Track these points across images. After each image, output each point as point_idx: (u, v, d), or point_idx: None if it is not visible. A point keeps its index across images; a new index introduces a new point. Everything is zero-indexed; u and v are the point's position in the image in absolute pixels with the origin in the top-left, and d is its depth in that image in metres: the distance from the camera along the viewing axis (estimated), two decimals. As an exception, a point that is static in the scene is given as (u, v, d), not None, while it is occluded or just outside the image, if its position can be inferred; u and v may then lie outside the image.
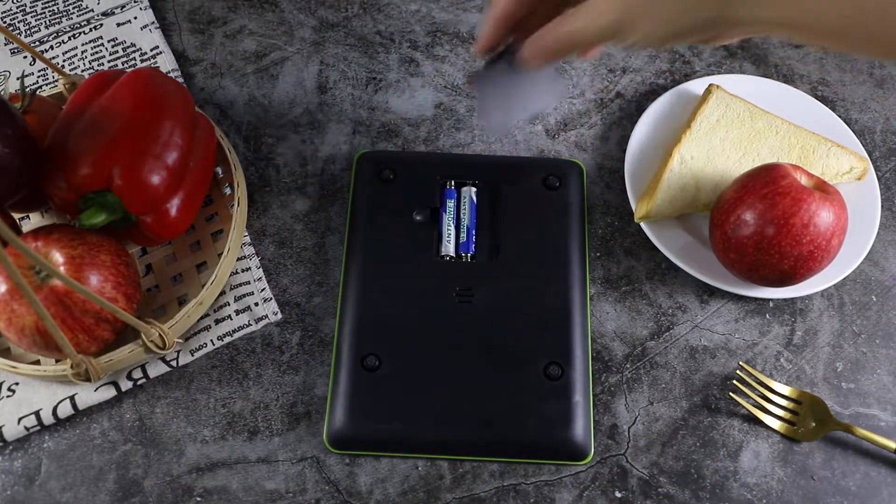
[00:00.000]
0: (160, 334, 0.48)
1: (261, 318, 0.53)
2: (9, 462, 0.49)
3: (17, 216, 0.55)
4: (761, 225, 0.48)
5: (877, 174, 0.58)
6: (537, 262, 0.53)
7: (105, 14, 0.65)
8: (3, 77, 0.63)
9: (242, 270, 0.54)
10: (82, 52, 0.63)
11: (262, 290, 0.53)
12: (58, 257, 0.45)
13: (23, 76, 0.59)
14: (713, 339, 0.53)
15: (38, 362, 0.50)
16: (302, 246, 0.56)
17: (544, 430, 0.48)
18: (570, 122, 0.61)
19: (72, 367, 0.46)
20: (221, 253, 0.52)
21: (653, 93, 0.62)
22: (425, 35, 0.65)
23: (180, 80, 0.61)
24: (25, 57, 0.63)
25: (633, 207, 0.55)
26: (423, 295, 0.52)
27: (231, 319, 0.52)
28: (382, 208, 0.55)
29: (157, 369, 0.51)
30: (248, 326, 0.52)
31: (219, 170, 0.57)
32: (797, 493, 0.48)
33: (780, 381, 0.51)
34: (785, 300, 0.54)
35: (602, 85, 0.62)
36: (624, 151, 0.57)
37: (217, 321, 0.52)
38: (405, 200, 0.55)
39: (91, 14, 0.65)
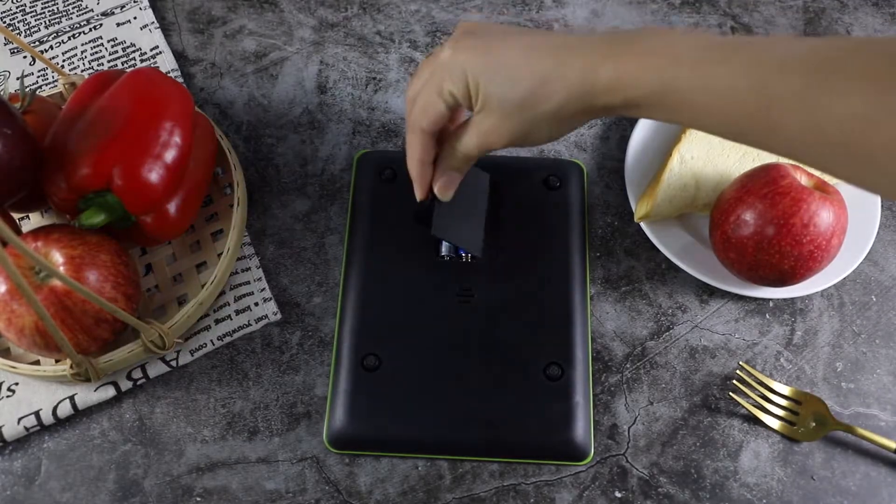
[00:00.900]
0: (160, 334, 0.48)
1: (261, 318, 0.53)
2: (9, 462, 0.49)
3: (17, 216, 0.55)
4: (761, 225, 0.48)
5: (877, 174, 0.58)
6: (537, 262, 0.53)
7: (105, 14, 0.65)
8: (3, 77, 0.62)
9: (242, 270, 0.54)
10: (82, 52, 0.63)
11: (262, 290, 0.53)
12: (57, 257, 0.45)
13: (23, 76, 0.59)
14: (713, 339, 0.53)
15: (37, 362, 0.50)
16: (302, 246, 0.56)
17: (544, 430, 0.48)
18: (569, 122, 0.61)
19: (71, 367, 0.47)
20: (221, 253, 0.52)
21: (653, 93, 0.62)
22: (425, 35, 0.64)
23: (180, 80, 0.61)
24: (25, 57, 0.63)
25: (633, 207, 0.55)
26: (424, 295, 0.52)
27: (231, 319, 0.52)
28: (382, 208, 0.55)
29: (156, 369, 0.51)
30: (247, 326, 0.52)
31: (219, 170, 0.57)
32: (797, 493, 0.48)
33: (780, 381, 0.51)
34: (785, 300, 0.54)
35: (602, 85, 0.62)
36: (624, 151, 0.57)
37: (217, 321, 0.52)
38: (405, 200, 0.55)
39: (91, 14, 0.65)
